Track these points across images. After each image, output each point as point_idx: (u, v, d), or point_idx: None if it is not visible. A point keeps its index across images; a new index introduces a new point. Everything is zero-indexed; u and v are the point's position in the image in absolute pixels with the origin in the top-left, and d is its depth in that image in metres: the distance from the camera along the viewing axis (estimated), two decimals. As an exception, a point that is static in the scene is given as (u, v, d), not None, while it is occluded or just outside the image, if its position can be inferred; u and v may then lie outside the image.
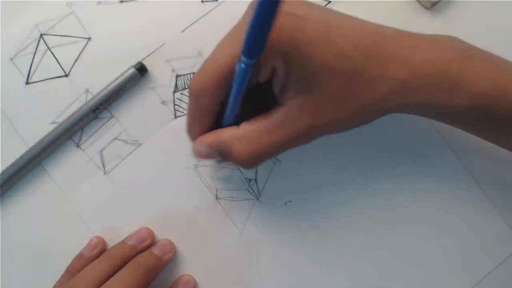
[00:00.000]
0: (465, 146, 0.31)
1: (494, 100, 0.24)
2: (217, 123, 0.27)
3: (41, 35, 0.33)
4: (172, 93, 0.33)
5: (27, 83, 0.33)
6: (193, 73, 0.33)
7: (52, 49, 0.33)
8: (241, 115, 0.26)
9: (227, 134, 0.25)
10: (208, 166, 0.33)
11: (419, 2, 0.33)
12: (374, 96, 0.24)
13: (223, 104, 0.25)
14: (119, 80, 0.32)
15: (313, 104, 0.24)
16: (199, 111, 0.26)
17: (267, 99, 0.26)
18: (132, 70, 0.32)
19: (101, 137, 0.33)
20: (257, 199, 0.33)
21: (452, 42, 0.25)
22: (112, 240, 0.32)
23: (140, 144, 0.33)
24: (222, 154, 0.26)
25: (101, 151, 0.33)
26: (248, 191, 0.33)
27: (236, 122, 0.26)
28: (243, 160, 0.25)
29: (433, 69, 0.23)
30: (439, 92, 0.24)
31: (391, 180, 0.32)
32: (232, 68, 0.22)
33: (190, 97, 0.26)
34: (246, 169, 0.26)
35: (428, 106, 0.24)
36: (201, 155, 0.27)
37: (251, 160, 0.25)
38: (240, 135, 0.25)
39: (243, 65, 0.21)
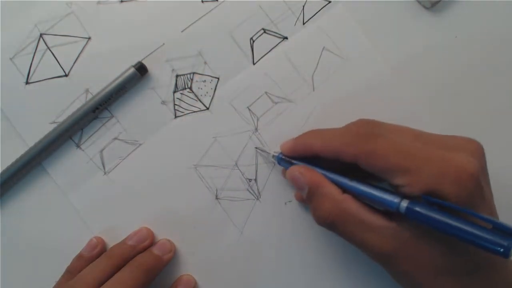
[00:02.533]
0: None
1: None
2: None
3: (41, 35, 0.33)
4: (172, 93, 0.33)
5: (27, 83, 0.33)
6: (194, 73, 0.33)
7: (52, 49, 0.33)
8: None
9: (329, 188, 0.26)
10: (208, 166, 0.33)
11: (419, 2, 0.33)
12: None
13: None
14: (119, 80, 0.32)
15: (415, 249, 0.23)
16: (335, 150, 0.26)
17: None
18: (132, 70, 0.32)
19: (101, 137, 0.33)
20: (257, 199, 0.33)
21: None
22: (112, 240, 0.32)
23: (140, 144, 0.33)
24: (309, 193, 0.27)
25: (101, 151, 0.33)
26: (248, 191, 0.33)
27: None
28: (318, 215, 0.26)
29: None
30: None
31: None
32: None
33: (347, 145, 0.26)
34: (314, 219, 0.27)
35: None
36: (295, 181, 0.28)
37: (322, 221, 0.26)
38: (339, 200, 0.25)
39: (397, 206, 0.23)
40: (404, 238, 0.23)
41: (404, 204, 0.23)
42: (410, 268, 0.24)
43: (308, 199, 0.27)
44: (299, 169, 0.28)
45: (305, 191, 0.27)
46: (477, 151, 0.24)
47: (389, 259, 0.24)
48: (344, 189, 0.26)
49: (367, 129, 0.25)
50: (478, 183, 0.22)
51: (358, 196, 0.26)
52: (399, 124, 0.26)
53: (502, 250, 0.20)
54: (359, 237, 0.25)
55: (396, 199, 0.23)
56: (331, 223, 0.26)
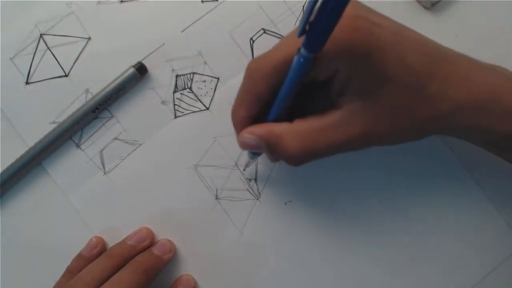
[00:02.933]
0: (465, 146, 0.31)
1: None
2: (258, 120, 0.27)
3: (41, 35, 0.33)
4: (172, 93, 0.33)
5: (27, 83, 0.33)
6: (194, 73, 0.33)
7: (52, 49, 0.33)
8: (286, 114, 0.26)
9: (279, 128, 0.25)
10: (208, 166, 0.33)
11: (419, 2, 0.33)
12: (431, 113, 0.24)
13: (268, 102, 0.25)
14: (119, 80, 0.32)
15: (371, 112, 0.24)
16: (250, 94, 0.26)
17: (317, 102, 0.26)
18: (132, 70, 0.32)
19: (101, 137, 0.33)
20: (257, 199, 0.33)
21: (504, 69, 0.26)
22: (112, 240, 0.32)
23: (140, 144, 0.33)
24: (271, 147, 0.26)
25: (101, 151, 0.33)
26: (248, 191, 0.33)
27: (281, 120, 0.26)
28: (294, 155, 0.25)
29: (489, 93, 0.24)
30: (493, 117, 0.24)
31: (391, 179, 0.32)
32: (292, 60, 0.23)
33: (244, 77, 0.26)
34: (292, 165, 0.26)
35: (479, 130, 0.24)
36: (249, 145, 0.26)
37: (302, 156, 0.25)
38: (294, 130, 0.25)
39: (301, 59, 0.22)
40: (364, 107, 0.24)
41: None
42: (393, 127, 0.24)
43: (272, 151, 0.26)
44: (245, 133, 0.26)
45: (265, 146, 0.26)
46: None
47: (373, 135, 0.24)
48: (284, 112, 0.25)
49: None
50: (364, 16, 0.23)
51: (296, 100, 0.25)
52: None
53: None
54: (337, 141, 0.24)
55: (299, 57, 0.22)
56: (306, 152, 0.25)
